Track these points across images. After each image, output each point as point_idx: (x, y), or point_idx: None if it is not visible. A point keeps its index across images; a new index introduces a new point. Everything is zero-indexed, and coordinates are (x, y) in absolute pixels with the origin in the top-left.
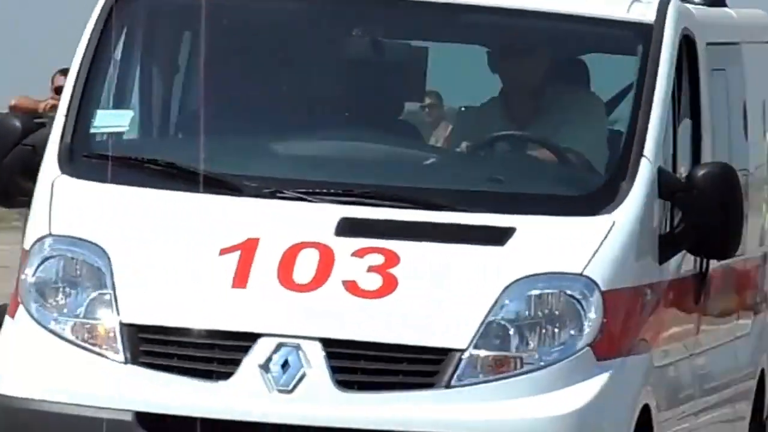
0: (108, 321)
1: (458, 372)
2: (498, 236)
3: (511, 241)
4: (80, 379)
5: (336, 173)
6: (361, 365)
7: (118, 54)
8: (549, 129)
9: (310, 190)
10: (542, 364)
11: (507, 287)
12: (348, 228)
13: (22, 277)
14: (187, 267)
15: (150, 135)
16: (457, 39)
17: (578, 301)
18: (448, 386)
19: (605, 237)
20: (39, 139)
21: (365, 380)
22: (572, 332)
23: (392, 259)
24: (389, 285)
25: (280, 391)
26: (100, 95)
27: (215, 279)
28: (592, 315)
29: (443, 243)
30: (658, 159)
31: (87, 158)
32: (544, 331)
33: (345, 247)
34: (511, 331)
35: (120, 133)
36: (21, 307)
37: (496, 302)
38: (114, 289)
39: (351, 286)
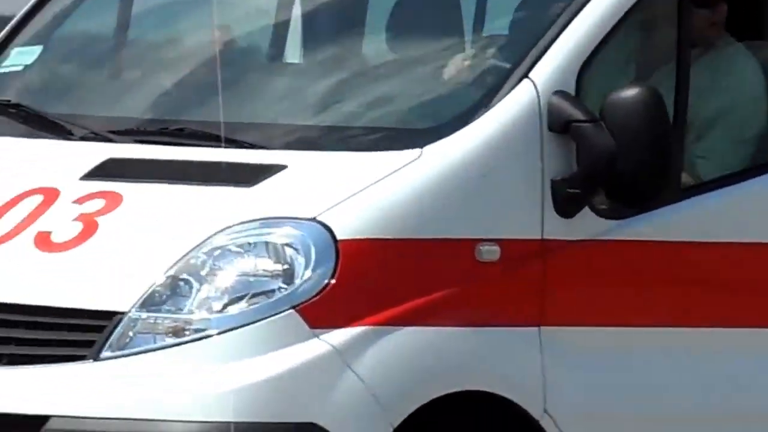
0: None
1: (112, 340)
2: (252, 176)
3: (265, 182)
4: None
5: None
6: (19, 334)
7: None
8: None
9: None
10: (221, 328)
11: (210, 237)
12: (100, 171)
13: None
14: None
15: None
16: None
17: (295, 251)
18: (96, 358)
19: (389, 174)
20: None
21: (17, 353)
22: (273, 291)
23: (113, 203)
24: (84, 235)
25: None
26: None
27: None
28: (308, 272)
29: (184, 184)
30: (562, 84)
31: None
32: (232, 288)
33: (74, 192)
34: (189, 289)
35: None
36: None
37: (186, 255)
38: None
39: (41, 239)
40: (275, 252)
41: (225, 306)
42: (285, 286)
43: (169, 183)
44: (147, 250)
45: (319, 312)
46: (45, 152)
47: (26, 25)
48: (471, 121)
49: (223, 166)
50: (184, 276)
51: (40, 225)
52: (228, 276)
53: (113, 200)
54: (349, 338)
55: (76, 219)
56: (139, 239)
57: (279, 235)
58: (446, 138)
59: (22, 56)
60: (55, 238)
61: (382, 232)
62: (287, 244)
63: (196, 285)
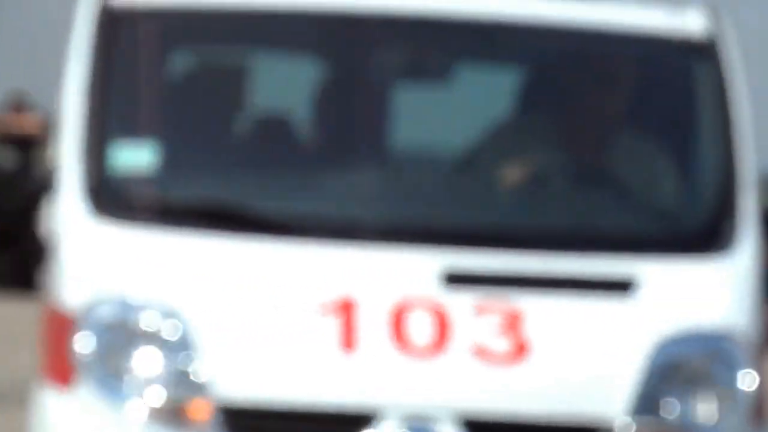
0: (197, 401)
1: None
2: (624, 286)
3: (640, 292)
4: None
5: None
6: None
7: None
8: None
9: (402, 235)
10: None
11: (655, 346)
12: (456, 280)
13: (76, 350)
14: (285, 330)
15: (184, 171)
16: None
17: (728, 355)
18: None
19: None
20: None
21: None
22: (726, 395)
23: (516, 316)
24: (521, 350)
25: None
26: (117, 125)
27: (319, 343)
28: (746, 370)
29: (568, 297)
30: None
31: (123, 203)
32: (701, 396)
33: (459, 304)
34: (670, 398)
35: (151, 171)
36: (81, 387)
37: (645, 364)
38: (198, 360)
39: (479, 352)
40: (716, 356)
41: (702, 414)
42: (731, 392)
43: (553, 296)
44: (601, 361)
45: (756, 411)
46: (311, 256)
47: (112, 116)
48: (738, 231)
49: (591, 277)
50: (655, 386)
51: (463, 338)
52: (692, 383)
53: (512, 313)
54: None
55: (495, 332)
56: (580, 351)
57: (708, 341)
58: (742, 242)
59: (133, 155)
60: (493, 351)
61: (754, 334)
62: (717, 349)
63: (669, 396)
